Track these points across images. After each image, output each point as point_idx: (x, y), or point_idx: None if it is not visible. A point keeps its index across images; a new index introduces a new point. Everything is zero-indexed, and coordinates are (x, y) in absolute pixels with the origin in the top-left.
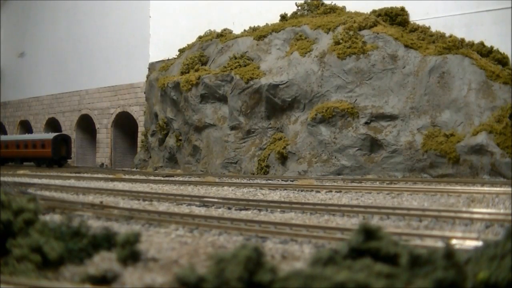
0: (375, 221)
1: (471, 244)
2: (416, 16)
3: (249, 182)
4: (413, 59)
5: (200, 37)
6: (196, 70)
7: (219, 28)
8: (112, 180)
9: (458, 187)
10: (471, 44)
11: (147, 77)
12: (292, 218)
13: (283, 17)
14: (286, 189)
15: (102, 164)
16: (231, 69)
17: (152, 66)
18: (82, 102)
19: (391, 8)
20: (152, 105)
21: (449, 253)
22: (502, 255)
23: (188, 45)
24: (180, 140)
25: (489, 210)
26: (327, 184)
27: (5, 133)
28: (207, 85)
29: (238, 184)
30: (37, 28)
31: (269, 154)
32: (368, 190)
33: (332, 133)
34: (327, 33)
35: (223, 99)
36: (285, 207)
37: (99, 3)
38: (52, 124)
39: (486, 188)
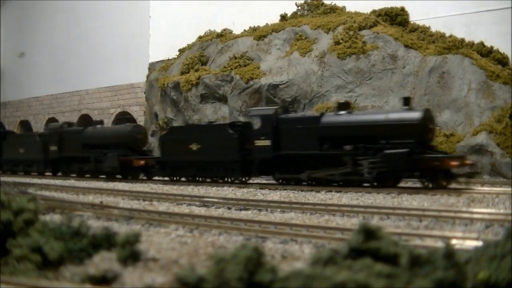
0: (375, 221)
1: (471, 244)
2: (416, 16)
3: (249, 182)
4: (413, 59)
5: (200, 37)
6: (196, 70)
7: (219, 28)
8: (112, 180)
9: (458, 187)
10: (471, 44)
11: (147, 77)
12: (292, 218)
13: (283, 17)
14: (286, 189)
15: None
16: (231, 69)
17: (152, 66)
18: (82, 102)
19: (391, 8)
20: (152, 105)
21: (449, 253)
22: (502, 255)
23: (188, 45)
24: None
25: (489, 210)
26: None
27: None
28: (207, 85)
29: (238, 184)
30: (37, 28)
31: None
32: (368, 190)
33: None
34: (327, 33)
35: (223, 99)
36: (285, 207)
37: (99, 3)
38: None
39: (486, 188)
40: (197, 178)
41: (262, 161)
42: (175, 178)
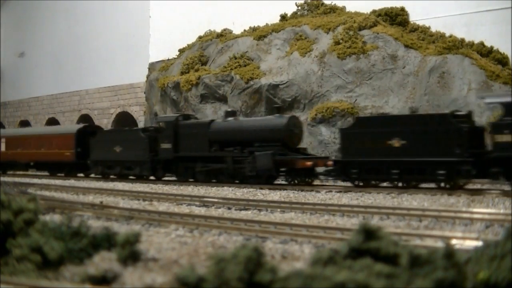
0: (375, 221)
1: (471, 244)
2: (416, 16)
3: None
4: (413, 59)
5: (200, 37)
6: (196, 70)
7: (219, 28)
8: (112, 180)
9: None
10: (471, 44)
11: (147, 77)
12: (292, 218)
13: (283, 17)
14: (286, 189)
15: None
16: (231, 69)
17: (152, 66)
18: (82, 102)
19: (391, 8)
20: (152, 105)
21: (449, 253)
22: (502, 255)
23: (188, 45)
24: None
25: (489, 210)
26: (327, 184)
27: None
28: (207, 85)
29: (238, 184)
30: (37, 28)
31: None
32: (368, 190)
33: (332, 133)
34: (327, 33)
35: (223, 99)
36: (285, 207)
37: (99, 3)
38: (52, 125)
39: (486, 188)
40: (398, 183)
41: (505, 160)
42: (358, 183)
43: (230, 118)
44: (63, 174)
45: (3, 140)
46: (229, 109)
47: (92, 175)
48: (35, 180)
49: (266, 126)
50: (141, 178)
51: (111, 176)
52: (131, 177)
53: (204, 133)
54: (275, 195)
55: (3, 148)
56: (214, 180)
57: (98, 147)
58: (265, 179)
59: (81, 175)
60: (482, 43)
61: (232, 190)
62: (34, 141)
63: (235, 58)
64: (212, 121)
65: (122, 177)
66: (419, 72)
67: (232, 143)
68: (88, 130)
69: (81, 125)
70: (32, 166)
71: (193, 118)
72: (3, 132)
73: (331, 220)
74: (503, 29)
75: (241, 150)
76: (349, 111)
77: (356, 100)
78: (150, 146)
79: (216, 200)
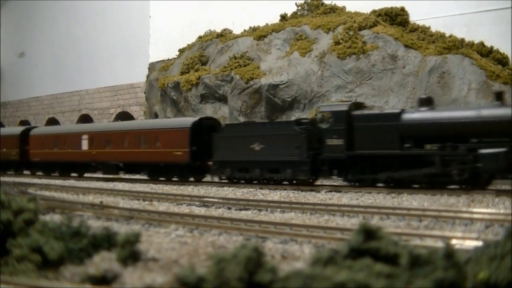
0: (375, 221)
1: (471, 244)
2: (416, 16)
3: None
4: (413, 59)
5: (200, 37)
6: (196, 70)
7: (219, 28)
8: (112, 180)
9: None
10: (471, 44)
11: (147, 77)
12: (292, 218)
13: (283, 17)
14: (286, 189)
15: None
16: (231, 69)
17: (152, 66)
18: (82, 102)
19: (391, 8)
20: (152, 105)
21: (449, 253)
22: (502, 255)
23: (188, 45)
24: None
25: (489, 210)
26: (327, 184)
27: None
28: (207, 85)
29: (238, 184)
30: (37, 28)
31: None
32: (368, 190)
33: None
34: (327, 33)
35: (223, 99)
36: (285, 207)
37: (99, 3)
38: (52, 124)
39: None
40: None
41: None
42: None
43: (424, 108)
44: (164, 178)
45: (84, 136)
46: (424, 96)
47: (206, 179)
48: (35, 180)
49: (491, 117)
50: (291, 183)
51: (241, 181)
52: (271, 182)
53: (392, 126)
54: (275, 195)
55: (85, 147)
56: (408, 184)
57: (225, 145)
58: (484, 184)
59: (192, 179)
60: (482, 43)
61: (232, 190)
62: (129, 138)
63: (235, 58)
64: (403, 111)
65: (261, 183)
66: (419, 72)
67: (435, 139)
68: (204, 123)
69: (196, 118)
70: (123, 168)
71: (363, 107)
72: (86, 127)
73: (331, 220)
74: (503, 29)
75: (452, 147)
76: None
77: (356, 100)
78: (308, 143)
79: (216, 200)
